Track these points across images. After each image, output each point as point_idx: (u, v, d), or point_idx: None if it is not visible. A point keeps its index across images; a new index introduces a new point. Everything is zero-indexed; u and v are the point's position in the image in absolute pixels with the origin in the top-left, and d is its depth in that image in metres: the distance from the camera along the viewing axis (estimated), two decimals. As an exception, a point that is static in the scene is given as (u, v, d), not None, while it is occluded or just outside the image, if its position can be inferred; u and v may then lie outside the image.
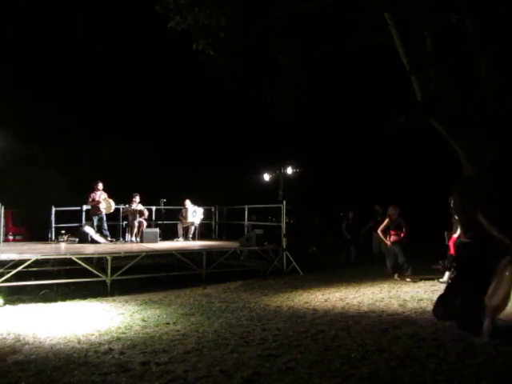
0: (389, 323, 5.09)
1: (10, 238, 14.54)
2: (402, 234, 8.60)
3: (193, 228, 12.54)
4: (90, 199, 11.32)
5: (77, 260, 8.43)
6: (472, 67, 12.19)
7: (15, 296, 7.61)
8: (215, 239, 13.25)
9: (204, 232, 13.38)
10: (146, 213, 11.86)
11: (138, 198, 11.78)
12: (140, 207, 11.77)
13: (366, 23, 12.13)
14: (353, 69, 16.22)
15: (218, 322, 5.42)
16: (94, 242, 10.68)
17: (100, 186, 11.46)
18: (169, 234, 12.76)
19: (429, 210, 16.68)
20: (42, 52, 22.37)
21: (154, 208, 12.46)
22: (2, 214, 10.00)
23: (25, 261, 8.06)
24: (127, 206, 11.69)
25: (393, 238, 8.60)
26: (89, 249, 9.69)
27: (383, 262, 9.30)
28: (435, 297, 6.60)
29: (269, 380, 3.48)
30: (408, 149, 19.30)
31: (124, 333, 5.01)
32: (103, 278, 8.30)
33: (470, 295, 4.45)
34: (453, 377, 3.43)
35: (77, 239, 11.00)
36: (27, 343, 4.65)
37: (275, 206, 12.45)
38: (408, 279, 8.24)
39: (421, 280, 8.17)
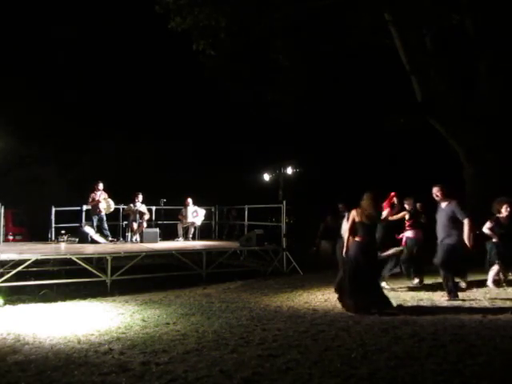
0: (389, 323, 5.08)
1: (10, 237, 14.53)
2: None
3: (193, 228, 12.52)
4: (90, 199, 11.33)
5: (77, 260, 8.44)
6: (472, 67, 12.22)
7: (15, 296, 7.61)
8: (215, 239, 13.25)
9: (204, 232, 13.37)
10: (147, 216, 11.80)
11: (140, 198, 11.70)
12: (142, 208, 11.71)
13: (366, 23, 12.15)
14: (353, 69, 16.21)
15: (218, 322, 5.42)
16: (94, 241, 10.67)
17: (100, 186, 11.45)
18: (169, 234, 12.75)
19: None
20: (43, 51, 22.35)
21: (153, 208, 12.45)
22: (2, 214, 10.00)
23: (25, 261, 8.07)
24: (130, 205, 11.66)
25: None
26: (89, 249, 9.70)
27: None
28: (435, 297, 6.63)
29: (269, 380, 3.47)
30: (408, 148, 19.29)
31: (124, 333, 5.01)
32: (103, 277, 8.30)
33: None
34: (453, 377, 3.43)
35: (77, 239, 11.00)
36: (27, 343, 4.64)
37: (275, 206, 12.46)
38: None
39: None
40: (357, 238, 5.71)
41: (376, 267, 5.86)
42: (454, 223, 6.26)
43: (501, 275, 7.44)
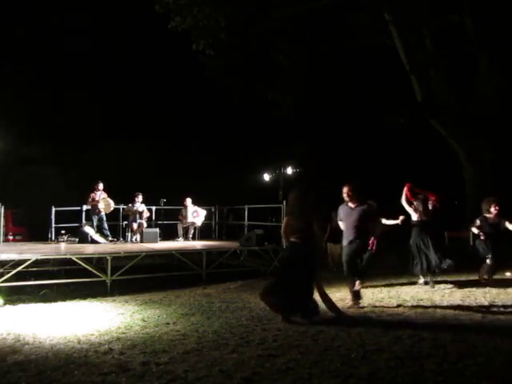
0: (389, 323, 5.09)
1: (10, 237, 14.54)
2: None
3: (193, 228, 12.50)
4: (90, 199, 11.33)
5: (77, 260, 8.44)
6: (472, 67, 12.22)
7: (15, 296, 7.60)
8: (215, 239, 13.25)
9: (204, 232, 13.36)
10: (147, 215, 11.79)
11: (140, 198, 11.69)
12: (142, 208, 11.70)
13: (366, 23, 12.16)
14: (353, 69, 16.22)
15: (218, 322, 5.42)
16: (94, 241, 10.68)
17: (100, 186, 11.45)
18: (169, 234, 12.74)
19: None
20: (43, 51, 22.34)
21: (153, 208, 12.45)
22: (2, 214, 10.00)
23: (25, 261, 8.07)
24: (129, 205, 11.66)
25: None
26: (89, 249, 9.70)
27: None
28: (435, 297, 6.63)
29: (269, 380, 3.47)
30: (408, 148, 19.31)
31: (124, 333, 5.01)
32: (103, 278, 8.30)
33: None
34: (453, 377, 3.43)
35: (77, 239, 11.00)
36: (27, 343, 4.64)
37: (275, 206, 12.46)
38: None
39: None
40: (292, 239, 5.50)
41: (309, 272, 5.37)
42: (364, 225, 6.07)
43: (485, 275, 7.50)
